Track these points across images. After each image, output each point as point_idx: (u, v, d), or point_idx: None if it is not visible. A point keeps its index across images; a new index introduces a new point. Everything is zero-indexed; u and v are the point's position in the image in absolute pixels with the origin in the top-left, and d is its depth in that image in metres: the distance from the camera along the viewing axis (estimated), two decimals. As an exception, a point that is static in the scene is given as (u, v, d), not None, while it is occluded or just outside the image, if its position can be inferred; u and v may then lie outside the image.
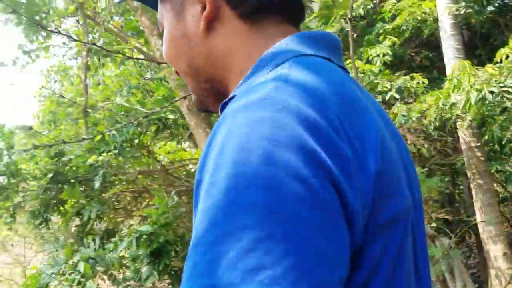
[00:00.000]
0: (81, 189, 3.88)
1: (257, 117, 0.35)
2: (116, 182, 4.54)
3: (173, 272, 2.93)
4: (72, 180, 4.01)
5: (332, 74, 0.44)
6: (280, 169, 0.33)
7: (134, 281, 3.27)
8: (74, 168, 3.93)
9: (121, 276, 3.78)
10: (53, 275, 3.26)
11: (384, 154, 0.40)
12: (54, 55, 5.09)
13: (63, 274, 3.29)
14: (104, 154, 3.39)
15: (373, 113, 0.44)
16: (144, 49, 3.77)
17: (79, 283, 3.25)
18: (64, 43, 4.21)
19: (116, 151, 3.60)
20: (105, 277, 3.81)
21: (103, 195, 4.20)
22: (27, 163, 4.39)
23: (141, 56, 3.90)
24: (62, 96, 3.83)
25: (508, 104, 2.20)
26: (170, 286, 3.64)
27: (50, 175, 4.09)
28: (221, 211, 0.32)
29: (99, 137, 3.03)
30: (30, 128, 4.07)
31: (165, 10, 0.55)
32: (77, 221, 4.53)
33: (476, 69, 2.34)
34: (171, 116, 3.60)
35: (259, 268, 0.30)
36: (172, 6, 0.53)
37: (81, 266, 3.17)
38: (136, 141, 3.99)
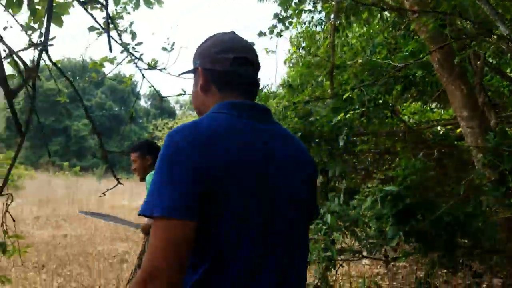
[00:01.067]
0: (327, 147, 4.11)
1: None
2: (358, 142, 4.63)
3: (420, 235, 2.79)
4: (318, 139, 4.30)
5: (216, 121, 1.01)
6: (166, 154, 0.95)
7: (378, 239, 3.30)
8: (319, 128, 4.17)
9: (362, 233, 3.89)
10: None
11: (211, 156, 0.94)
12: (302, 22, 5.48)
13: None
14: (350, 113, 3.45)
15: (229, 140, 0.98)
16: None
17: (325, 233, 3.47)
18: (314, 7, 4.48)
19: (361, 110, 3.61)
20: (346, 232, 4.00)
21: (345, 155, 4.36)
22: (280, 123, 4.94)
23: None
24: (316, 55, 4.09)
25: None
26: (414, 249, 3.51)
27: (299, 134, 4.49)
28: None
29: (347, 94, 3.10)
30: (290, 85, 4.47)
31: (193, 82, 1.18)
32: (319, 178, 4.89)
33: None
34: (419, 73, 3.35)
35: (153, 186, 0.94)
36: (194, 81, 1.16)
37: (328, 218, 3.36)
38: (381, 100, 3.93)
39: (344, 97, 3.28)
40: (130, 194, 13.35)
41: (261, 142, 1.02)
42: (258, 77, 1.15)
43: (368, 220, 3.67)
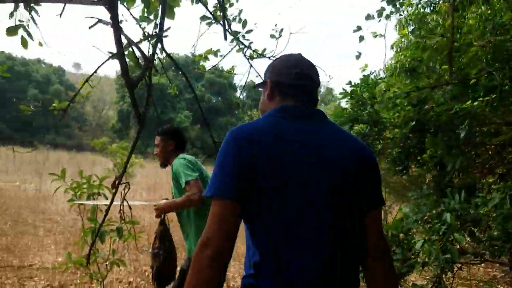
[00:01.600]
0: (443, 138, 3.70)
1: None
2: (477, 134, 4.12)
3: None
4: (432, 130, 3.90)
5: (265, 121, 1.24)
6: (223, 148, 1.20)
7: (503, 241, 2.87)
8: (435, 116, 3.77)
9: (483, 234, 3.45)
10: (418, 222, 3.26)
11: (252, 149, 1.16)
12: (411, 3, 5.04)
13: (427, 222, 3.24)
14: (477, 101, 3.03)
15: (290, 132, 1.21)
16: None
17: (443, 233, 3.12)
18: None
19: (487, 98, 3.16)
20: (464, 232, 3.59)
21: (463, 146, 3.90)
22: (389, 112, 4.59)
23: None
24: (431, 37, 3.69)
25: None
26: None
27: (412, 123, 4.11)
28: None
29: (473, 81, 2.72)
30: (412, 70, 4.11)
31: (263, 91, 1.42)
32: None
33: None
34: None
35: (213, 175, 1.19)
36: (263, 90, 1.40)
37: (447, 217, 3.02)
38: (507, 87, 3.42)
39: (471, 82, 2.88)
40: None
41: (303, 139, 1.22)
42: (319, 88, 1.42)
43: (492, 220, 3.24)
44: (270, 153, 1.16)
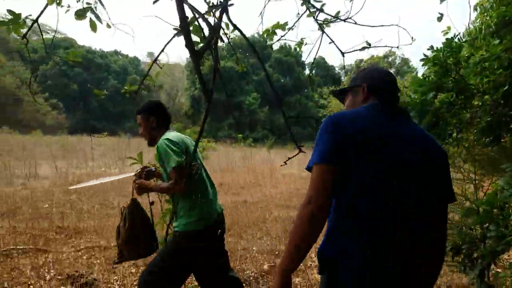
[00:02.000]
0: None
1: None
2: None
3: None
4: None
5: (357, 111, 1.51)
6: (323, 128, 1.45)
7: None
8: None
9: None
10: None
11: (344, 130, 1.41)
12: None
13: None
14: None
15: (386, 128, 1.46)
16: None
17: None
18: None
19: None
20: None
21: None
22: (476, 77, 4.08)
23: None
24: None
25: None
26: None
27: (503, 88, 3.61)
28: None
29: None
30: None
31: (351, 94, 1.70)
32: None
33: None
34: None
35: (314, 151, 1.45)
36: (353, 94, 1.70)
37: None
38: None
39: None
40: (299, 164, 13.62)
41: (396, 129, 1.49)
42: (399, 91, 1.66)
43: None
44: (357, 134, 1.42)
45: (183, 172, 2.47)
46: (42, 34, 2.68)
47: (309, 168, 1.45)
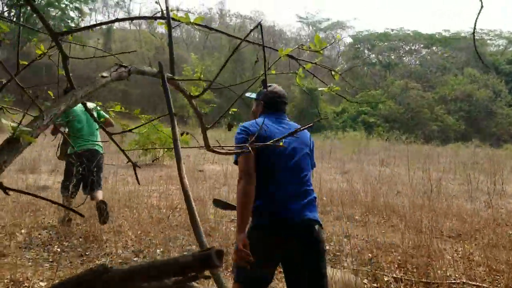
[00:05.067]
0: None
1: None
2: None
3: None
4: None
5: (262, 119, 2.47)
6: (237, 132, 2.42)
7: None
8: None
9: None
10: None
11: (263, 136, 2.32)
12: None
13: None
14: None
15: (273, 129, 2.43)
16: None
17: None
18: None
19: None
20: None
21: None
22: None
23: None
24: None
25: None
26: None
27: None
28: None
29: None
30: None
31: (254, 103, 2.70)
32: None
33: None
34: None
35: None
36: (255, 105, 2.68)
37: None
38: None
39: None
40: None
41: (280, 128, 2.44)
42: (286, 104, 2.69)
43: None
44: (267, 134, 2.33)
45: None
46: None
47: (236, 162, 2.36)
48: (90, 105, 5.14)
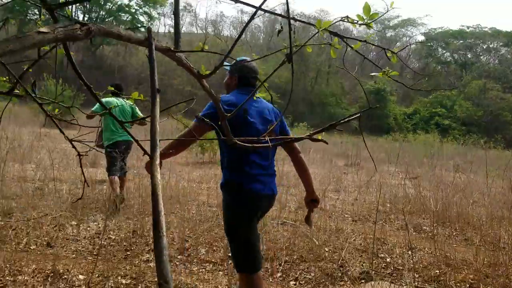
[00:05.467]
0: None
1: None
2: None
3: None
4: None
5: (236, 95, 2.67)
6: (209, 105, 2.58)
7: None
8: None
9: None
10: None
11: (229, 106, 2.51)
12: None
13: None
14: None
15: (251, 104, 2.67)
16: None
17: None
18: None
19: None
20: None
21: None
22: None
23: None
24: None
25: None
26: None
27: None
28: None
29: None
30: None
31: (228, 77, 2.88)
32: None
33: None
34: None
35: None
36: (229, 77, 2.86)
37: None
38: None
39: None
40: None
41: (253, 104, 2.67)
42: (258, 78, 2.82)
43: None
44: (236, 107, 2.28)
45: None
46: None
47: (195, 122, 2.60)
48: (128, 102, 5.65)
